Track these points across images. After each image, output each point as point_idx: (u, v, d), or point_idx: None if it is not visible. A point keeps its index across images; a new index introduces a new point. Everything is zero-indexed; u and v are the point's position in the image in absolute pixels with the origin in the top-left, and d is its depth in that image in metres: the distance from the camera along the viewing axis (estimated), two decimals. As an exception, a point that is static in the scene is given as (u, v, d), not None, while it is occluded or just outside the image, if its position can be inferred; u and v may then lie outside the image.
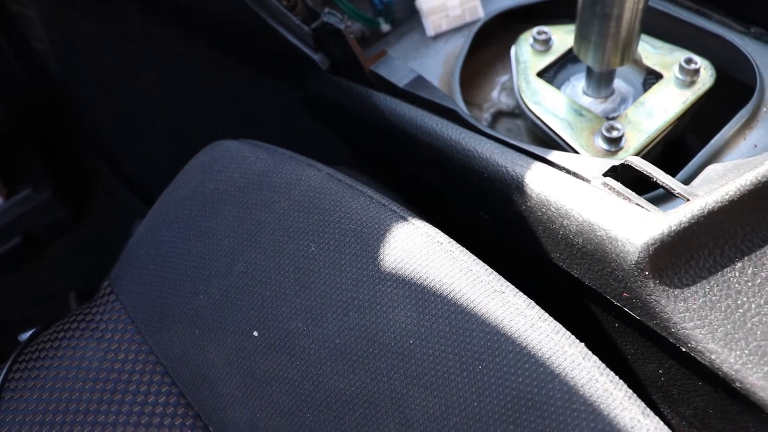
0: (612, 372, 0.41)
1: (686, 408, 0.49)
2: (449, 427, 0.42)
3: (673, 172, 0.51)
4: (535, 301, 0.44)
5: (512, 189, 0.49)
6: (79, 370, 0.54)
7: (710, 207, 0.42)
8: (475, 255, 0.46)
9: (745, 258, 0.43)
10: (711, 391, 0.46)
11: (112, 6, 0.82)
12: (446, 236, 0.46)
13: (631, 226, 0.43)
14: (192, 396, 0.52)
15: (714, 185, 0.45)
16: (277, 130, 0.80)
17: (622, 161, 0.47)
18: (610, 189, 0.46)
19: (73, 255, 0.98)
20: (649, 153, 0.59)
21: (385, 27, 0.72)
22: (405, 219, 0.47)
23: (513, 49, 0.65)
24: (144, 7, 0.80)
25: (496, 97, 0.69)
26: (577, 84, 0.63)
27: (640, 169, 0.46)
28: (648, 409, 0.40)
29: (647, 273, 0.43)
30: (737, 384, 0.41)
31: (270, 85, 0.75)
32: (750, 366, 0.41)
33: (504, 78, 0.70)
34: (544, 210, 0.48)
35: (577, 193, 0.46)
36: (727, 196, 0.42)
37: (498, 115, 0.68)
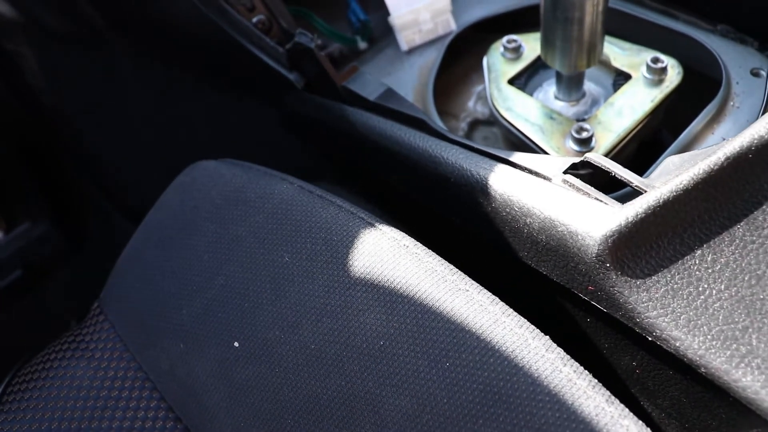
0: (576, 362, 0.42)
1: (663, 399, 0.50)
2: (422, 425, 0.43)
3: (647, 170, 0.52)
4: (512, 302, 0.45)
5: (477, 191, 0.50)
6: (70, 390, 0.56)
7: (665, 197, 0.43)
8: (447, 258, 0.48)
9: (704, 245, 0.44)
10: (681, 380, 0.46)
11: (101, 41, 0.84)
12: (412, 240, 0.47)
13: (590, 220, 0.44)
14: (180, 410, 0.53)
15: (671, 176, 0.46)
16: (261, 149, 0.81)
17: (582, 158, 0.48)
18: (569, 186, 0.47)
19: (73, 282, 1.00)
20: (622, 152, 0.60)
21: (362, 45, 0.74)
22: (373, 225, 0.48)
23: (485, 59, 0.67)
24: (130, 41, 0.82)
25: (472, 106, 0.70)
26: (549, 89, 0.65)
27: (598, 164, 0.47)
28: (613, 396, 0.40)
29: (608, 265, 0.43)
30: (702, 369, 0.42)
31: (252, 106, 0.77)
32: (713, 351, 0.41)
33: (479, 88, 0.71)
34: (507, 210, 0.49)
35: (538, 191, 0.47)
36: (681, 186, 0.43)
37: (474, 124, 0.69)
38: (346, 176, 0.72)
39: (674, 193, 0.43)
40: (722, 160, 0.43)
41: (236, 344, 0.50)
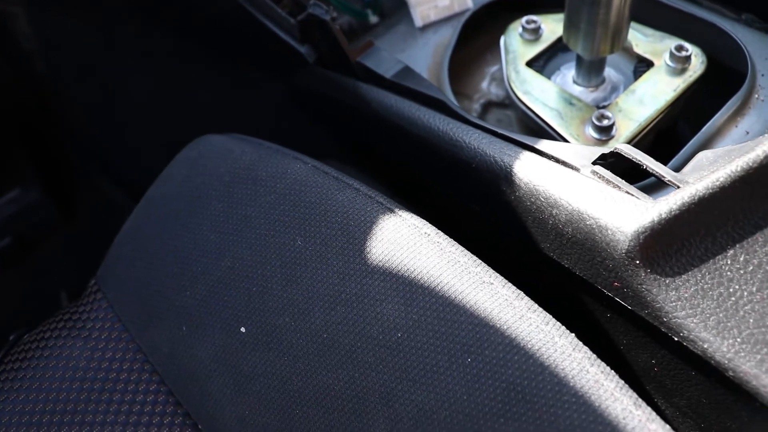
0: (603, 363, 0.40)
1: (680, 398, 0.49)
2: (439, 421, 0.41)
3: (665, 161, 0.51)
4: (526, 293, 0.43)
5: (500, 179, 0.48)
6: (66, 370, 0.53)
7: (701, 194, 0.41)
8: (465, 247, 0.46)
9: (737, 245, 0.42)
10: (704, 381, 0.45)
11: (100, 5, 0.81)
12: (433, 228, 0.45)
13: (621, 215, 0.42)
14: (181, 394, 0.51)
15: (705, 172, 0.44)
16: (266, 125, 0.79)
17: (612, 149, 0.47)
18: (599, 177, 0.45)
19: (64, 254, 0.97)
20: (641, 141, 0.59)
21: (373, 19, 0.71)
22: (392, 211, 0.46)
23: (502, 39, 0.64)
24: (131, 6, 0.79)
25: (486, 87, 0.68)
26: (568, 73, 0.63)
27: (630, 157, 0.45)
28: (640, 399, 0.39)
29: (638, 262, 0.42)
30: (730, 373, 0.40)
31: (259, 80, 0.75)
32: (743, 354, 0.40)
33: (494, 68, 0.69)
34: (533, 200, 0.47)
35: (567, 182, 0.45)
36: (717, 183, 0.41)
37: (488, 106, 0.67)
38: (353, 156, 0.70)
39: (710, 190, 0.41)
40: (761, 157, 0.41)
41: (243, 329, 0.48)
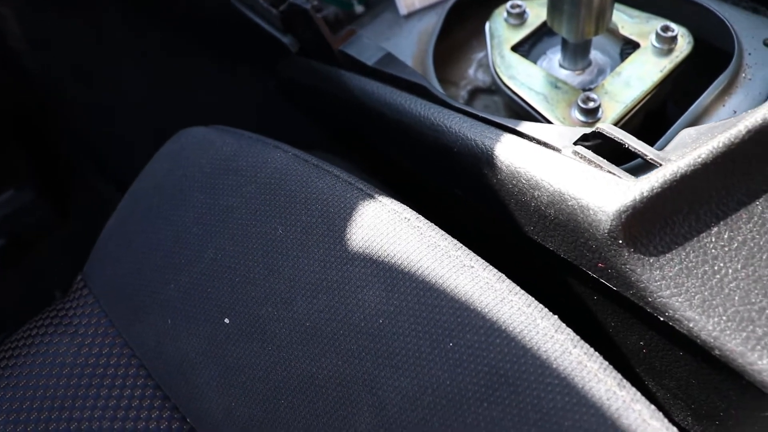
0: (586, 344, 0.40)
1: (670, 380, 0.48)
2: (423, 407, 0.41)
3: (654, 142, 0.50)
4: (513, 278, 0.43)
5: (482, 162, 0.48)
6: (53, 366, 0.53)
7: (683, 171, 0.41)
8: (452, 233, 0.45)
9: (721, 222, 0.42)
10: (692, 361, 0.45)
11: (89, 3, 0.81)
12: (413, 212, 0.45)
13: (603, 194, 0.42)
14: (168, 388, 0.51)
15: (687, 149, 0.44)
16: (255, 118, 0.79)
17: (594, 129, 0.46)
18: (580, 157, 0.45)
19: (59, 253, 0.97)
20: (628, 123, 0.58)
21: (358, 8, 0.71)
22: (372, 196, 0.46)
23: (487, 25, 0.64)
24: (120, 3, 0.79)
25: (473, 74, 0.67)
26: (554, 57, 0.62)
27: (612, 136, 0.45)
28: (624, 380, 0.39)
29: (621, 242, 0.41)
30: (716, 351, 0.40)
31: (246, 72, 0.74)
32: (728, 332, 0.39)
33: (480, 55, 0.69)
34: (514, 182, 0.46)
35: (548, 163, 0.45)
36: (699, 160, 0.41)
37: (475, 92, 0.66)
38: (341, 146, 0.70)
39: (692, 167, 0.41)
40: (743, 133, 0.41)
41: (227, 321, 0.48)
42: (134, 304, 0.53)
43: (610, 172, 0.44)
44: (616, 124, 0.56)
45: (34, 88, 0.95)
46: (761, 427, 0.44)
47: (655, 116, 0.63)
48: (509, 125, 0.49)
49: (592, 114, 0.55)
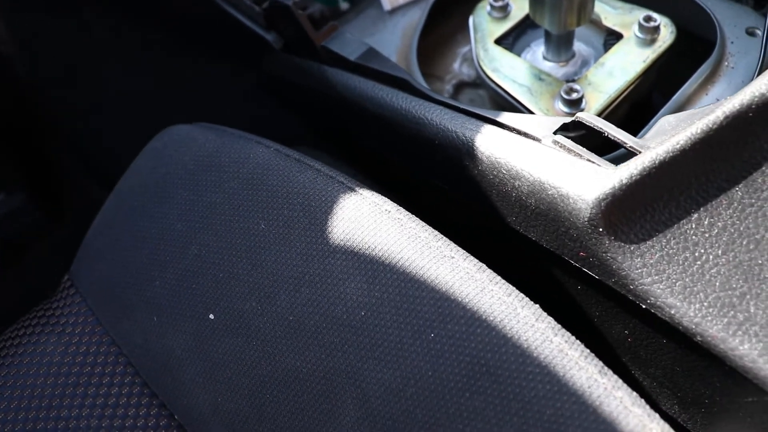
0: (567, 332, 0.40)
1: (655, 368, 0.48)
2: (406, 399, 0.41)
3: (640, 132, 0.50)
4: (500, 270, 0.43)
5: (463, 154, 0.48)
6: (40, 366, 0.53)
7: (661, 158, 0.41)
8: (438, 227, 0.45)
9: (701, 209, 0.42)
10: (675, 348, 0.45)
11: (76, 4, 0.81)
12: (394, 204, 0.45)
13: (582, 182, 0.42)
14: (156, 385, 0.51)
15: (666, 136, 0.44)
16: (243, 116, 0.79)
17: (573, 118, 0.46)
18: (560, 147, 0.45)
19: (52, 255, 0.97)
20: (613, 113, 0.58)
21: (344, 5, 0.71)
22: (352, 189, 0.46)
23: (471, 18, 0.64)
24: (105, 4, 0.79)
25: (458, 68, 0.68)
26: (537, 49, 0.62)
27: (591, 125, 0.45)
28: (606, 367, 0.39)
29: (601, 230, 0.41)
30: (698, 337, 0.40)
31: (232, 70, 0.74)
32: (710, 318, 0.39)
33: (465, 49, 0.69)
34: (495, 172, 0.46)
35: (527, 153, 0.45)
36: (678, 146, 0.41)
37: (460, 86, 0.66)
38: (327, 141, 0.70)
39: (671, 154, 0.41)
40: (721, 119, 0.41)
41: (211, 316, 0.48)
42: (121, 302, 0.53)
43: (589, 161, 0.44)
44: (599, 115, 0.56)
45: (23, 91, 0.95)
46: (746, 413, 0.44)
47: (640, 107, 0.63)
48: (490, 116, 0.49)
49: (575, 105, 0.55)
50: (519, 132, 0.47)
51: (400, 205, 0.46)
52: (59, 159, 1.01)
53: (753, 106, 0.41)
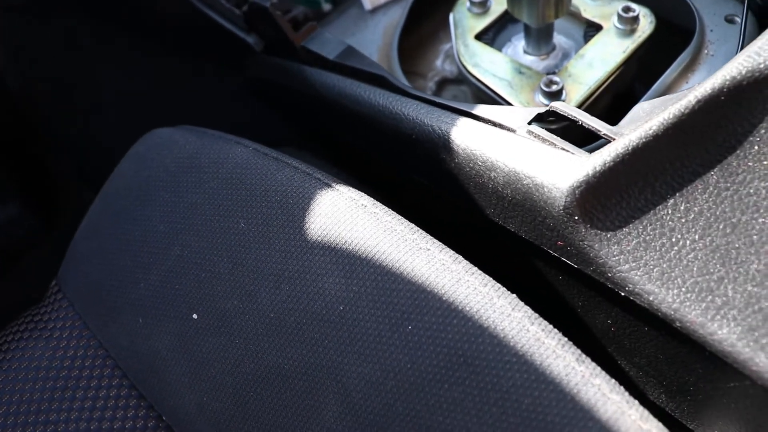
0: (544, 321, 0.40)
1: (639, 357, 0.48)
2: (386, 392, 0.41)
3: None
4: (482, 264, 0.43)
5: (440, 147, 0.48)
6: (28, 371, 0.53)
7: (634, 144, 0.41)
8: (419, 222, 0.45)
9: (677, 194, 0.42)
10: (657, 336, 0.45)
11: (60, 11, 0.81)
12: (371, 199, 0.45)
13: (556, 171, 0.42)
14: (143, 386, 0.51)
15: (640, 123, 0.44)
16: (230, 118, 0.79)
17: (547, 108, 0.46)
18: (535, 136, 0.45)
19: (48, 262, 0.97)
20: (594, 105, 0.58)
21: (326, 6, 0.71)
22: (329, 186, 0.46)
23: (451, 15, 0.64)
24: (89, 10, 0.79)
25: (440, 65, 0.68)
26: (518, 44, 0.62)
27: (565, 114, 0.45)
28: (583, 355, 0.38)
29: (577, 218, 0.41)
30: (677, 323, 0.40)
31: (216, 72, 0.75)
32: (688, 303, 0.39)
33: (447, 46, 0.69)
34: (471, 164, 0.46)
35: (502, 144, 0.45)
36: (651, 132, 0.41)
37: (442, 83, 0.67)
38: (312, 141, 0.70)
39: (644, 140, 0.41)
40: (693, 103, 0.41)
41: (195, 316, 0.48)
42: (107, 305, 0.53)
43: (564, 150, 0.44)
44: (580, 106, 0.56)
45: (15, 102, 0.95)
46: (729, 399, 0.43)
47: (622, 97, 0.63)
48: (466, 110, 0.49)
49: (555, 97, 0.55)
50: (494, 123, 0.47)
51: (383, 201, 0.47)
52: (52, 166, 1.02)
53: (725, 90, 0.41)
